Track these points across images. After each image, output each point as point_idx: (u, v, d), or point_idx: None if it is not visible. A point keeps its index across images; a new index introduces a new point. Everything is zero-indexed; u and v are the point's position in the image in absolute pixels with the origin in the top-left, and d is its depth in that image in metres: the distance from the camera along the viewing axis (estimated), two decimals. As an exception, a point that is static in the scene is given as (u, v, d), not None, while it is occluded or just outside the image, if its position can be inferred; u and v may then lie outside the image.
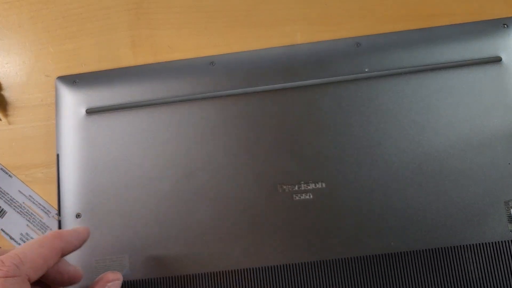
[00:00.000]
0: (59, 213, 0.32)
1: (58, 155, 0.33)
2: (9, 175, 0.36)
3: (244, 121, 0.33)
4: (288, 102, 0.33)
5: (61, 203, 0.33)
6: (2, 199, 0.36)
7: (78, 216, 0.32)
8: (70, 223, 0.32)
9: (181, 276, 0.31)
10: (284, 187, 0.31)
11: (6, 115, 0.38)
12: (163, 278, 0.31)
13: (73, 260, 0.31)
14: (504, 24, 0.33)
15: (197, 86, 0.34)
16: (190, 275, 0.31)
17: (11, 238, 0.36)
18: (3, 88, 0.39)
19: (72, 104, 0.34)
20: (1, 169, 0.36)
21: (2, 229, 0.36)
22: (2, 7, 0.41)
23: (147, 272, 0.31)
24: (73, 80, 0.35)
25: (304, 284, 0.30)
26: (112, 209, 0.32)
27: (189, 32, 0.39)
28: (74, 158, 0.33)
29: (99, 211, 0.32)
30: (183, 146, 0.33)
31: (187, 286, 0.31)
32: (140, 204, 0.32)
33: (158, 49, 0.39)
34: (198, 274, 0.31)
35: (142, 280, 0.31)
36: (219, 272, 0.31)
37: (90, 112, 0.34)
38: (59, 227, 0.32)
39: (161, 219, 0.32)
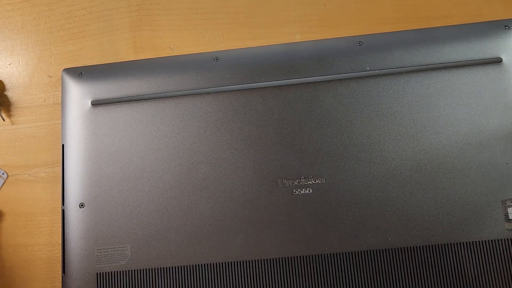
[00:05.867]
0: (62, 203, 0.33)
1: (63, 145, 0.34)
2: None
3: (247, 116, 0.33)
4: (290, 98, 0.33)
5: (65, 192, 0.33)
6: None
7: (81, 205, 0.32)
8: (74, 213, 0.32)
9: (181, 267, 0.31)
10: (285, 181, 0.32)
11: (9, 115, 0.39)
12: (163, 268, 0.31)
13: (76, 248, 0.32)
14: (505, 26, 0.34)
15: (201, 81, 0.34)
16: (190, 265, 0.31)
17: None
18: (6, 88, 0.39)
19: (78, 95, 0.35)
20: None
21: None
22: (5, 8, 0.41)
23: (148, 262, 0.31)
24: (79, 72, 0.35)
25: (301, 278, 0.31)
26: (115, 199, 0.32)
27: (190, 33, 0.39)
28: (79, 148, 0.33)
29: (102, 201, 0.32)
30: (186, 139, 0.33)
31: (187, 276, 0.31)
32: (143, 195, 0.32)
33: (159, 50, 0.39)
34: (198, 265, 0.31)
35: (143, 269, 0.31)
36: (219, 263, 0.31)
37: (95, 104, 0.34)
38: (63, 217, 0.33)
39: (163, 210, 0.32)
